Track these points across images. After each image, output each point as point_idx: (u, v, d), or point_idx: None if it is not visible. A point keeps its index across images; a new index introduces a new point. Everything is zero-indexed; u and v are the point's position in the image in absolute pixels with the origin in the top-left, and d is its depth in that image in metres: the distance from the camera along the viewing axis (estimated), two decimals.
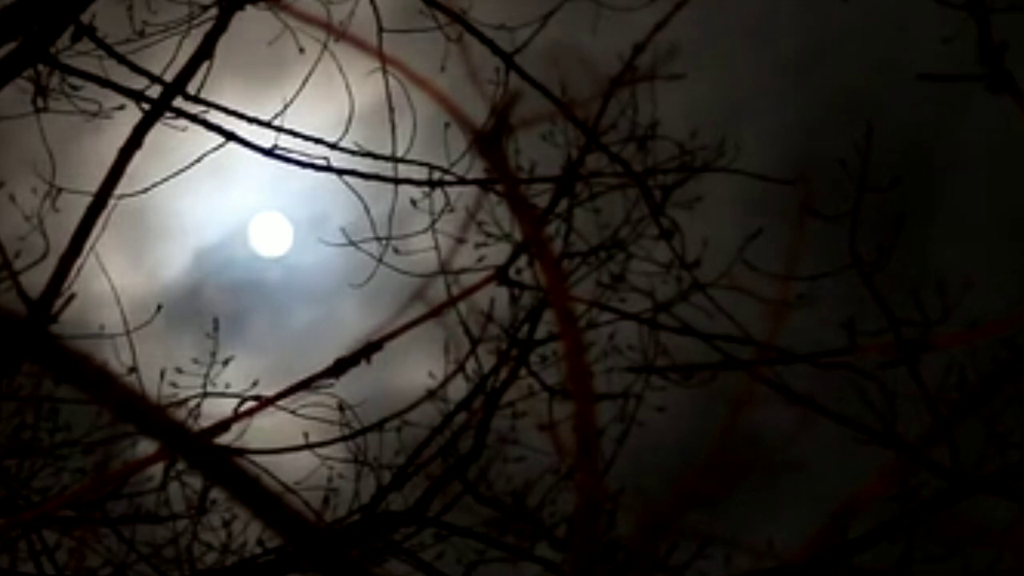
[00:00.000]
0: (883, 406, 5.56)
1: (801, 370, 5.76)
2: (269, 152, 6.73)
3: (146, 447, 6.24)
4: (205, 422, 6.71)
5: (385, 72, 6.73)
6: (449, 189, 6.94)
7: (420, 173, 6.95)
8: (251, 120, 6.69)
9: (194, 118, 6.58)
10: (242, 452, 6.41)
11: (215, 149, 6.66)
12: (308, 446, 6.86)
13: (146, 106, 6.44)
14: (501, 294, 6.92)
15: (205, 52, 6.51)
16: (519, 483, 6.96)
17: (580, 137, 6.94)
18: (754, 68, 7.80)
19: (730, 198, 7.04)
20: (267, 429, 6.60)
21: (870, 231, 5.84)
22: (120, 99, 6.60)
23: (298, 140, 6.74)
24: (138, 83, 6.53)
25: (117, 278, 6.54)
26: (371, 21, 6.89)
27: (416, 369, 6.88)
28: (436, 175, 6.94)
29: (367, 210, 6.96)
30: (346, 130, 6.80)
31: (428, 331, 6.24)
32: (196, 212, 7.76)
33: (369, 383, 6.60)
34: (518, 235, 6.83)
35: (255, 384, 6.88)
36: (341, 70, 6.83)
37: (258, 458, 6.57)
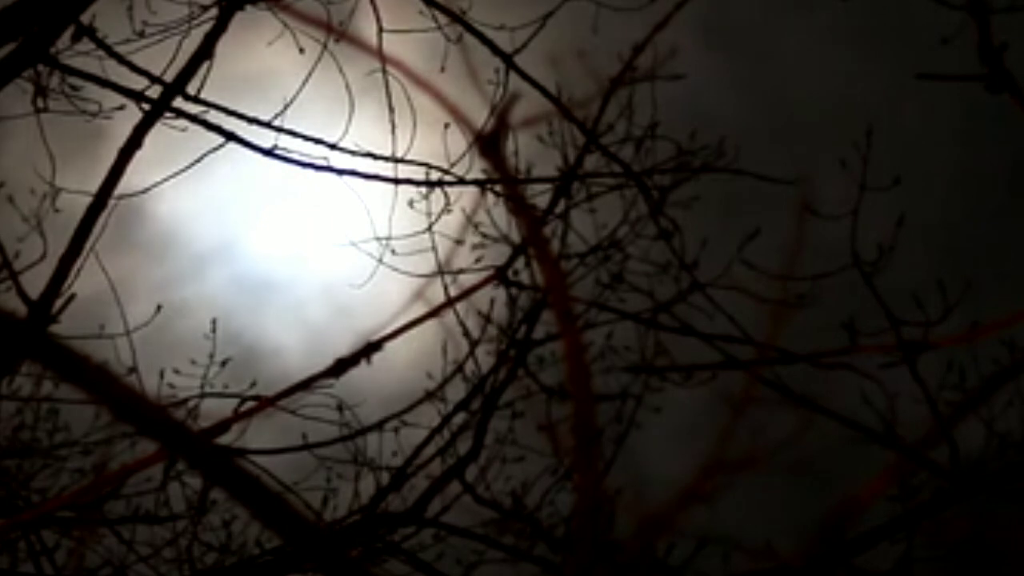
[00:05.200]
0: (883, 406, 5.56)
1: (801, 370, 5.76)
2: (269, 152, 6.73)
3: (146, 447, 6.24)
4: (205, 422, 6.72)
5: (385, 72, 6.74)
6: (448, 189, 6.95)
7: (420, 173, 6.95)
8: (251, 120, 6.69)
9: (194, 118, 6.58)
10: (242, 452, 6.41)
11: (215, 149, 6.66)
12: (308, 446, 6.86)
13: (146, 106, 6.44)
14: (500, 295, 6.92)
15: (205, 52, 6.52)
16: (518, 484, 6.96)
17: (579, 137, 6.95)
18: (754, 68, 7.80)
19: (730, 198, 7.04)
20: (267, 429, 6.61)
21: (870, 231, 5.85)
22: (120, 99, 6.60)
23: (298, 140, 6.74)
24: (138, 83, 6.54)
25: (116, 278, 6.55)
26: (371, 21, 6.90)
27: (416, 369, 6.88)
28: (436, 175, 6.94)
29: (367, 210, 6.97)
30: (346, 130, 6.81)
31: (428, 331, 6.24)
32: (195, 213, 7.76)
33: (369, 383, 6.61)
34: (517, 235, 6.83)
35: (255, 384, 6.89)
36: (341, 70, 6.84)
37: (258, 458, 6.58)
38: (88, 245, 6.13)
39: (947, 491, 5.54)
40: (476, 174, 6.88)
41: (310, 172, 6.81)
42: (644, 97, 6.91)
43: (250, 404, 6.72)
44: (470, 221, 6.94)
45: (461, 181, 6.92)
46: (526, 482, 6.94)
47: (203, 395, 7.00)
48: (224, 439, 6.13)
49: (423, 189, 6.95)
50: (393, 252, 6.96)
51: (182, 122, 6.58)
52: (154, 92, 6.49)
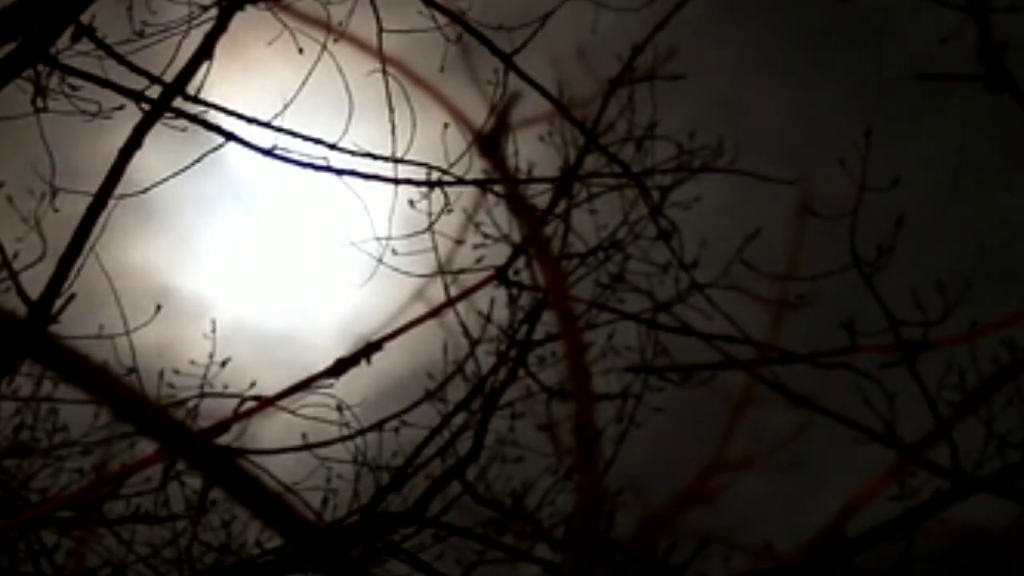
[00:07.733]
0: (883, 406, 5.56)
1: (801, 370, 5.76)
2: (269, 152, 6.73)
3: (146, 447, 6.24)
4: (205, 422, 6.71)
5: (385, 72, 6.74)
6: (448, 189, 6.95)
7: (419, 173, 6.95)
8: (251, 120, 6.69)
9: (194, 118, 6.58)
10: (242, 452, 6.41)
11: (215, 149, 6.67)
12: (308, 446, 6.86)
13: (146, 106, 6.44)
14: (500, 295, 6.93)
15: (205, 52, 6.52)
16: (518, 484, 6.96)
17: (579, 138, 6.95)
18: (754, 68, 7.80)
19: (730, 198, 7.04)
20: (267, 429, 6.60)
21: (870, 231, 5.85)
22: (120, 99, 6.60)
23: (298, 140, 6.74)
24: (138, 83, 6.54)
25: (117, 278, 6.54)
26: (371, 21, 6.90)
27: (416, 369, 6.88)
28: (435, 175, 6.94)
29: (367, 210, 6.96)
30: (346, 130, 6.81)
31: (428, 331, 6.24)
32: (195, 213, 7.76)
33: (369, 383, 6.61)
34: (517, 236, 6.83)
35: (254, 384, 6.88)
36: (341, 70, 6.83)
37: (258, 458, 6.58)
38: (88, 245, 6.13)
39: (947, 491, 5.54)
40: (476, 174, 6.88)
41: (309, 172, 6.81)
42: (643, 97, 6.91)
43: (250, 404, 6.72)
44: (471, 221, 6.95)
45: (461, 181, 6.92)
46: (526, 482, 6.95)
47: (203, 395, 7.00)
48: (224, 439, 6.13)
49: (423, 189, 6.96)
50: (394, 252, 6.96)
51: (182, 122, 6.58)
52: (154, 92, 6.49)
